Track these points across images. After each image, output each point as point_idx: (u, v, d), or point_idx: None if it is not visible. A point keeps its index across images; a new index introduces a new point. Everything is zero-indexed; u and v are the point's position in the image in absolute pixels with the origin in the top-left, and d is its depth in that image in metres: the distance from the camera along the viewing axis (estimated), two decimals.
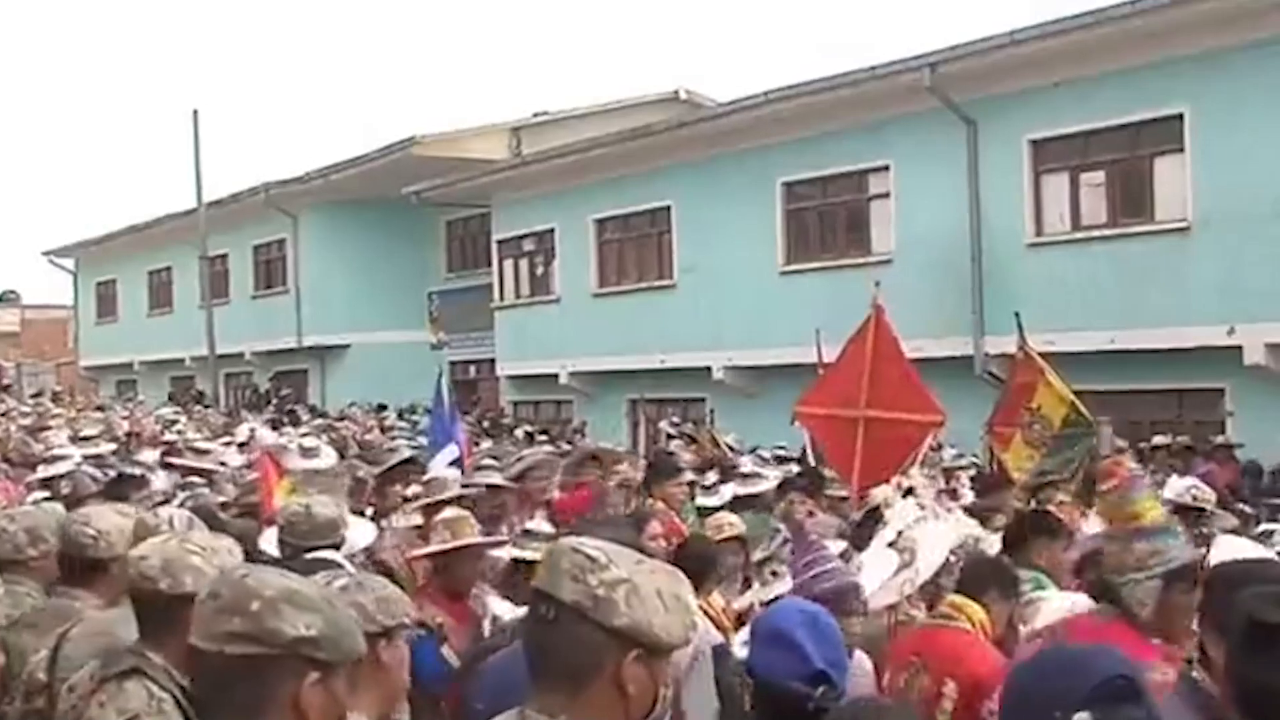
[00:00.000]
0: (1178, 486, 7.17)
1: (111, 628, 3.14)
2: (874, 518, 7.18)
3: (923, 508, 5.51)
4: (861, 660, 4.22)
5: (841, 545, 4.95)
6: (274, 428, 15.72)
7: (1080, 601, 3.73)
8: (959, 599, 4.22)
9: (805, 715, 2.95)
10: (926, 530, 5.10)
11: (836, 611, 3.95)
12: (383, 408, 21.22)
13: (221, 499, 7.74)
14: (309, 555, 4.63)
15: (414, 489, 7.57)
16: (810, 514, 7.42)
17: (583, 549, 2.01)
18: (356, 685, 2.40)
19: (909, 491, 6.03)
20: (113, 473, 8.70)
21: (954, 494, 8.64)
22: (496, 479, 7.92)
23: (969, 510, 6.80)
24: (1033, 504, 7.34)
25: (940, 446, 12.60)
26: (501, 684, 3.39)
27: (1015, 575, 4.42)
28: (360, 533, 5.66)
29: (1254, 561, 3.51)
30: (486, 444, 13.91)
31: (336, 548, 4.86)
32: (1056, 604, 3.82)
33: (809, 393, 8.63)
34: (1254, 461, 12.72)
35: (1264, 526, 7.46)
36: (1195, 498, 6.80)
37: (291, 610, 2.05)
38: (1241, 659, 2.20)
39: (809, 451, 9.93)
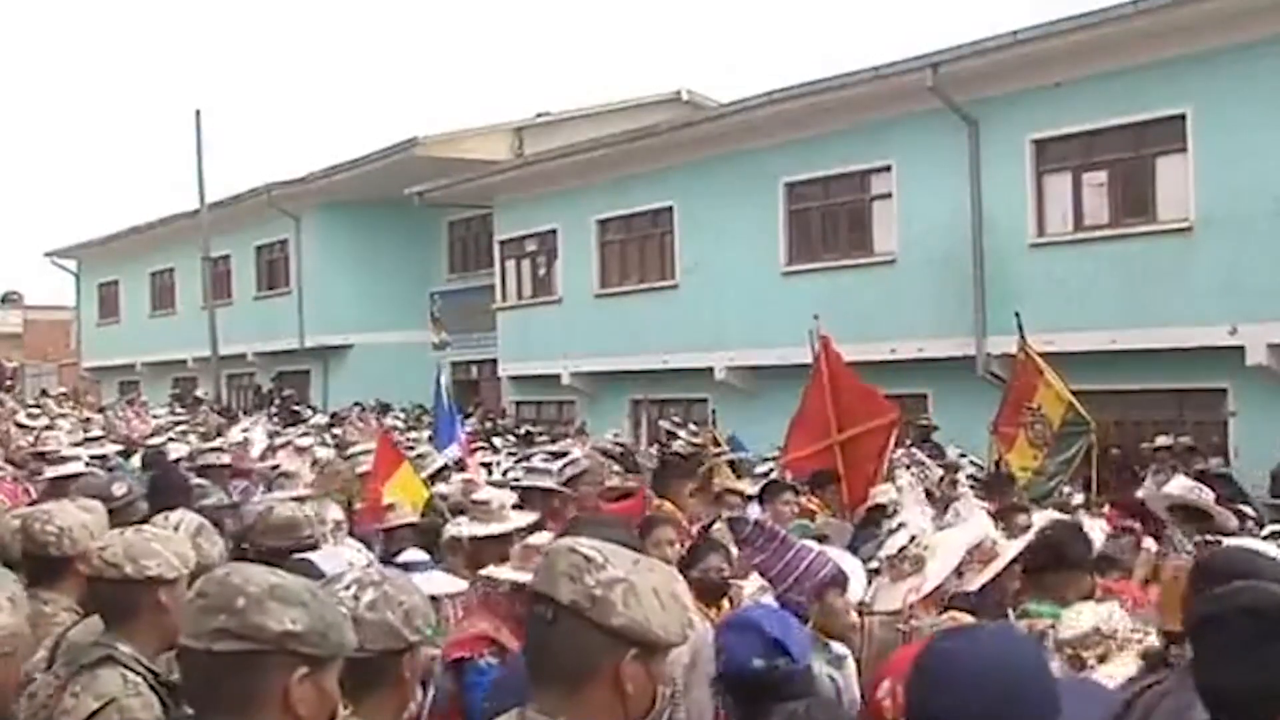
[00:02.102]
0: (1179, 486, 7.15)
1: None
2: (875, 518, 7.21)
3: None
4: (853, 673, 4.19)
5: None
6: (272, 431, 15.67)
7: (1117, 615, 3.62)
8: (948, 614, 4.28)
9: (771, 692, 3.03)
10: (943, 537, 4.96)
11: (843, 590, 4.08)
12: (386, 408, 21.20)
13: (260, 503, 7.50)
14: (296, 556, 4.57)
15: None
16: (812, 514, 7.42)
17: (579, 549, 2.01)
18: (373, 695, 2.40)
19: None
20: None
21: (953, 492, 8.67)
22: (549, 483, 7.76)
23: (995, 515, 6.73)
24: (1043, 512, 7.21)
25: (944, 454, 12.65)
26: (502, 684, 3.39)
27: (1008, 606, 4.40)
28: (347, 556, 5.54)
29: (1240, 551, 3.48)
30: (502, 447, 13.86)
31: (306, 550, 4.69)
32: (1089, 618, 3.66)
33: (787, 444, 9.02)
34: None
35: (1271, 528, 7.42)
36: (1198, 497, 6.77)
37: (277, 605, 2.05)
38: (1221, 656, 2.11)
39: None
